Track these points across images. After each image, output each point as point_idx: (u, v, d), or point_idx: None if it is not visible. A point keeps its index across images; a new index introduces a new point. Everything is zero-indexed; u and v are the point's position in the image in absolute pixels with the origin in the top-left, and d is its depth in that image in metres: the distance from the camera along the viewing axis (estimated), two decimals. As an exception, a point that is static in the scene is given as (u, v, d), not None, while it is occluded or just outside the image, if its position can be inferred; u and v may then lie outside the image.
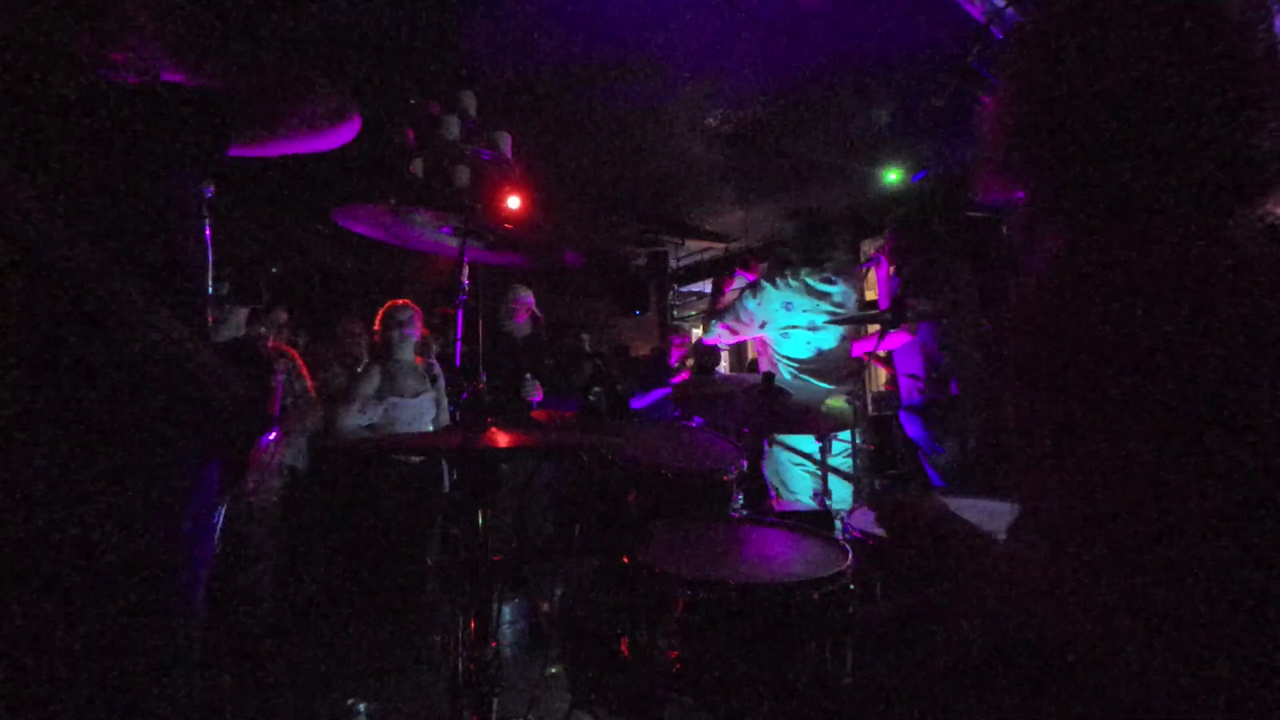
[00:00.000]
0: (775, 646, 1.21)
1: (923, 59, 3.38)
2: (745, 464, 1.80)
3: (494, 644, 1.31)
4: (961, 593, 0.79)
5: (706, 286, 7.82)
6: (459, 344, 1.52)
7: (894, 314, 2.38)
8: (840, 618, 1.26)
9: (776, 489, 2.77)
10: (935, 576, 0.83)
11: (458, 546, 1.36)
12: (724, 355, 4.50)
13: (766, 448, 2.71)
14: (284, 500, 2.74)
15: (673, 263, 7.59)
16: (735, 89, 3.79)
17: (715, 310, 3.21)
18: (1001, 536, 0.80)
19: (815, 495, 2.66)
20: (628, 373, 5.75)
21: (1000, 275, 3.71)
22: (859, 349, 3.09)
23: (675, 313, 8.08)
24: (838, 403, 2.07)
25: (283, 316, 3.75)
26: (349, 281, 6.87)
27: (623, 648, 1.33)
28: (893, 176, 4.75)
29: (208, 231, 1.23)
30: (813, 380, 2.75)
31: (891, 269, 3.27)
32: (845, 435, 2.83)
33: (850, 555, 1.36)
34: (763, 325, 2.88)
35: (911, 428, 3.15)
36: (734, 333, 2.99)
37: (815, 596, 1.23)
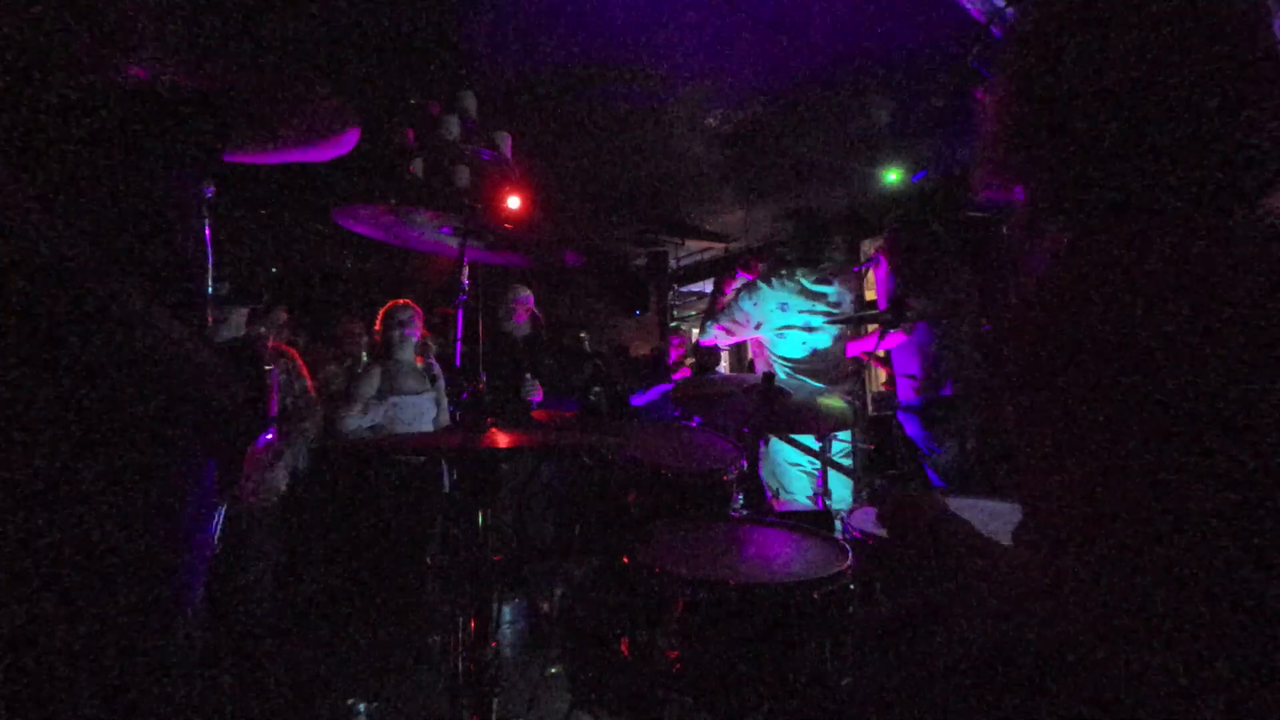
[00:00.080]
0: (775, 646, 1.21)
1: (923, 59, 3.38)
2: (745, 464, 1.80)
3: (494, 644, 1.32)
4: (961, 593, 0.79)
5: (706, 286, 7.83)
6: (459, 344, 1.52)
7: (893, 314, 2.39)
8: (840, 618, 1.26)
9: (773, 490, 2.77)
10: (935, 576, 0.83)
11: (458, 546, 1.36)
12: (724, 355, 4.50)
13: (762, 448, 2.71)
14: (284, 500, 2.74)
15: (673, 263, 7.60)
16: (735, 89, 3.79)
17: (712, 311, 3.22)
18: (1003, 538, 0.80)
19: (812, 496, 2.66)
20: (628, 372, 5.75)
21: (1000, 275, 3.71)
22: (853, 349, 3.10)
23: (675, 313, 8.09)
24: (836, 402, 2.07)
25: (283, 316, 3.75)
26: (349, 281, 6.87)
27: (623, 648, 1.33)
28: (893, 176, 4.75)
29: (208, 231, 1.23)
30: (808, 380, 2.75)
31: (890, 269, 3.27)
32: (844, 435, 2.83)
33: (850, 555, 1.36)
34: (758, 326, 2.89)
35: (909, 428, 3.16)
36: (729, 333, 3.00)
37: (815, 596, 1.23)
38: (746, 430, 1.95)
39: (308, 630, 2.92)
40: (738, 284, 3.26)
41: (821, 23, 3.14)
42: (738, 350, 8.14)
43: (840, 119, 4.15)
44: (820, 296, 2.83)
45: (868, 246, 6.07)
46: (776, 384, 1.90)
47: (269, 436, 2.53)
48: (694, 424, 2.13)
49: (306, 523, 2.98)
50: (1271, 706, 0.52)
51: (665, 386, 4.01)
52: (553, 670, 2.06)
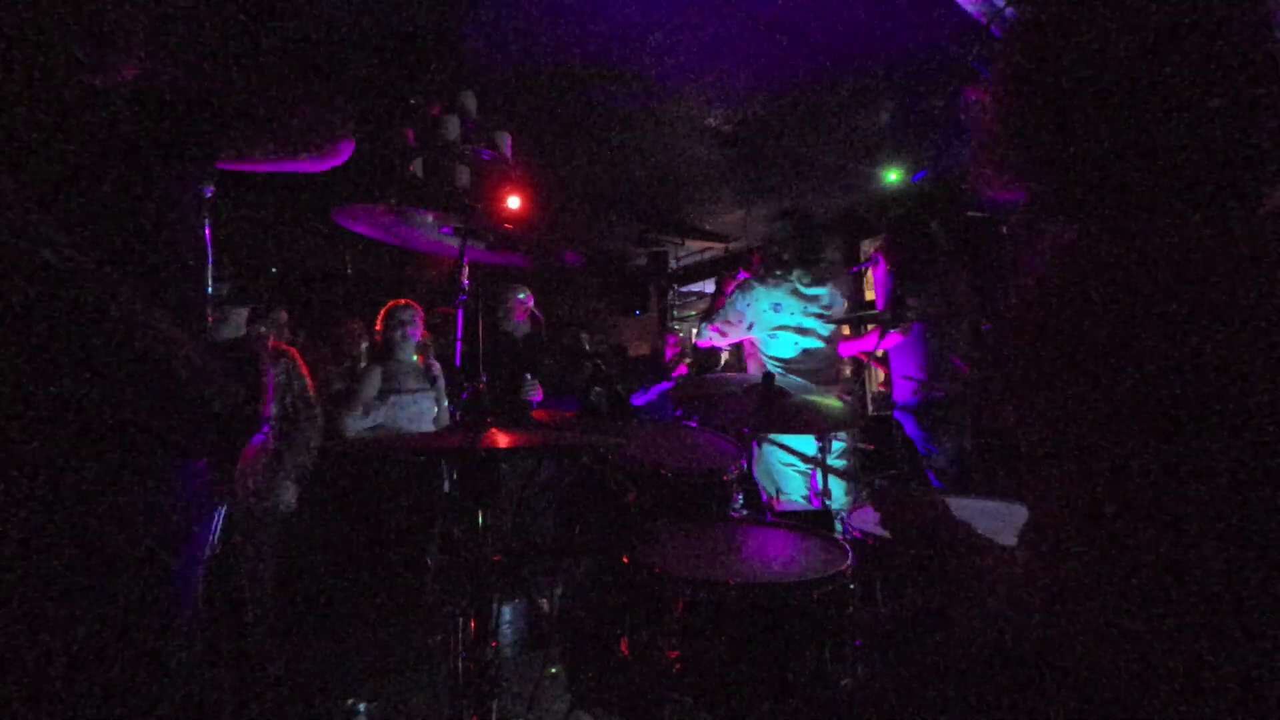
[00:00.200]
0: (775, 646, 1.21)
1: (923, 59, 3.38)
2: (745, 464, 1.80)
3: (494, 644, 1.31)
4: (961, 592, 0.79)
5: (707, 287, 7.83)
6: (459, 344, 1.52)
7: (893, 314, 2.39)
8: (840, 618, 1.26)
9: (768, 490, 2.76)
10: (935, 576, 0.83)
11: (458, 546, 1.36)
12: (724, 355, 4.50)
13: (756, 449, 2.71)
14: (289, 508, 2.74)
15: (673, 263, 7.59)
16: (735, 89, 3.78)
17: (710, 312, 3.22)
18: (1001, 537, 0.80)
19: (807, 495, 2.65)
20: (627, 372, 5.75)
21: (1000, 275, 3.71)
22: (849, 349, 3.09)
23: (675, 313, 8.09)
24: (835, 402, 2.07)
25: (283, 316, 3.75)
26: (349, 281, 6.87)
27: (623, 648, 1.33)
28: (893, 176, 4.75)
29: (208, 231, 1.23)
30: (800, 380, 2.76)
31: (889, 269, 3.27)
32: (842, 435, 2.83)
33: (850, 555, 1.36)
34: (750, 326, 2.89)
35: (907, 428, 3.16)
36: (723, 334, 3.00)
37: (815, 596, 1.23)
38: (746, 430, 1.94)
39: (308, 630, 2.92)
40: (736, 283, 3.27)
41: (821, 23, 3.14)
42: (738, 350, 8.13)
43: (840, 119, 4.15)
44: (814, 299, 2.84)
45: (867, 246, 6.07)
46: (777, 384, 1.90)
47: (262, 437, 2.52)
48: (693, 424, 2.13)
49: (306, 522, 2.97)
50: (1271, 706, 0.52)
51: (666, 385, 4.01)
52: (553, 670, 2.06)
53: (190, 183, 1.15)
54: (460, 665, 1.30)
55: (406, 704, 2.30)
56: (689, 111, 4.05)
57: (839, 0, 2.99)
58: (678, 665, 1.22)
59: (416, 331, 3.16)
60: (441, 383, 3.22)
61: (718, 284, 3.58)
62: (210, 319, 1.50)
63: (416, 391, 3.11)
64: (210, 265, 1.23)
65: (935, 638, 0.87)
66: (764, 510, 2.41)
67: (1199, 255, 0.58)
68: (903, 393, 3.14)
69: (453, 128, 3.53)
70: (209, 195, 1.36)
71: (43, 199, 0.91)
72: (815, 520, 2.04)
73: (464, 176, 3.81)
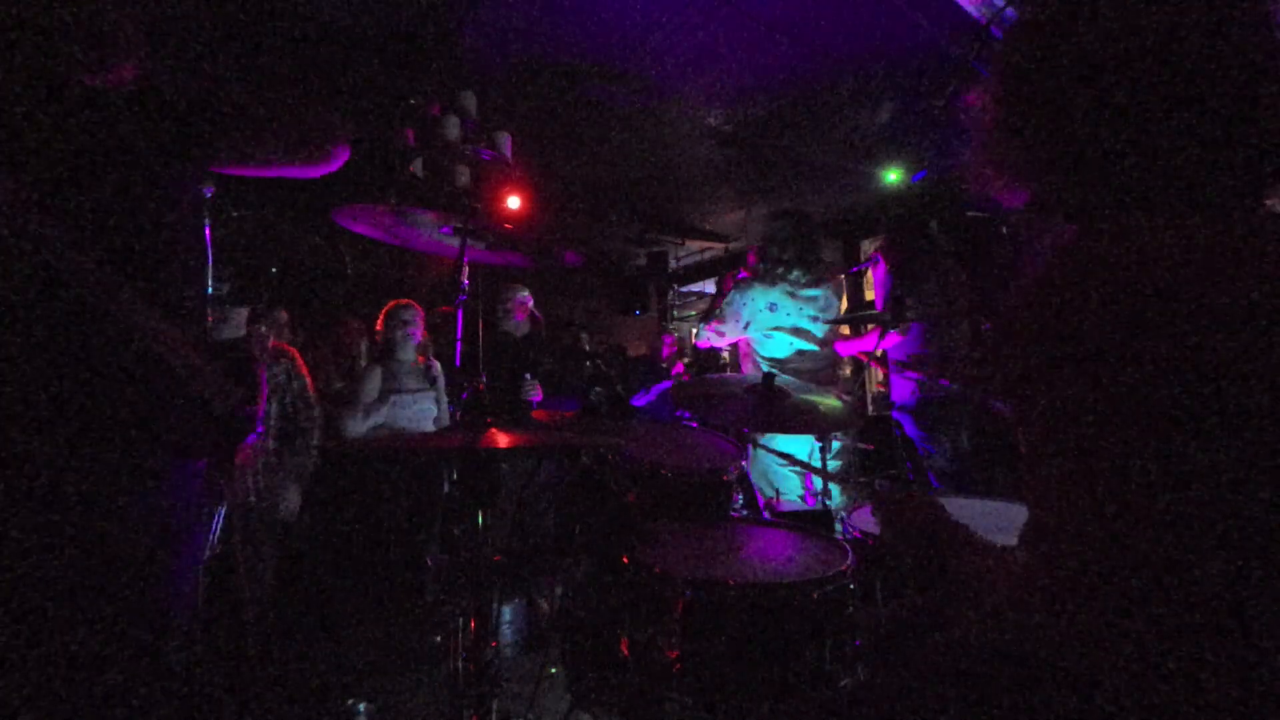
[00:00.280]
0: (775, 646, 1.21)
1: (923, 59, 3.38)
2: (745, 464, 1.81)
3: (494, 644, 1.32)
4: (961, 592, 0.79)
5: (707, 287, 7.82)
6: (459, 344, 1.52)
7: (893, 313, 2.39)
8: (840, 618, 1.26)
9: (765, 492, 2.76)
10: (935, 576, 0.83)
11: (458, 546, 1.36)
12: (724, 356, 4.50)
13: (750, 450, 2.71)
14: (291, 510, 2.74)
15: (673, 263, 7.59)
16: (735, 89, 3.79)
17: (709, 312, 3.22)
18: (999, 537, 0.80)
19: (802, 495, 2.65)
20: (627, 372, 5.76)
21: (1000, 275, 3.71)
22: (847, 349, 3.10)
23: (675, 313, 8.08)
24: (834, 402, 2.07)
25: (283, 316, 3.75)
26: (349, 281, 6.86)
27: (623, 648, 1.33)
28: (893, 176, 4.75)
29: (208, 231, 1.23)
30: (794, 380, 2.75)
31: (889, 269, 3.27)
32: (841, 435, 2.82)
33: (850, 555, 1.36)
34: (746, 326, 2.89)
35: (906, 428, 3.16)
36: (721, 334, 3.00)
37: (815, 596, 1.23)
38: (747, 430, 1.94)
39: (308, 630, 2.92)
40: (734, 282, 3.27)
41: (821, 23, 3.14)
42: (734, 351, 8.12)
43: (840, 119, 4.15)
44: (810, 300, 2.84)
45: (867, 246, 6.07)
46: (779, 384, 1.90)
47: (255, 437, 2.52)
48: (694, 424, 2.13)
49: (307, 522, 2.97)
50: (1271, 706, 0.52)
51: (666, 384, 4.02)
52: (553, 670, 2.05)
53: (190, 183, 1.15)
54: (460, 665, 1.30)
55: (406, 704, 2.30)
56: (689, 111, 4.05)
57: (839, 0, 2.99)
58: (678, 665, 1.22)
59: (418, 331, 3.16)
60: (442, 383, 3.22)
61: (718, 285, 3.58)
62: (210, 319, 1.50)
63: (417, 391, 3.11)
64: (210, 265, 1.23)
65: (935, 638, 0.87)
66: (771, 508, 2.41)
67: (1199, 255, 0.58)
68: (901, 393, 3.15)
69: (453, 128, 3.53)
70: (209, 195, 1.37)
71: (43, 199, 0.91)
72: (815, 520, 2.04)
73: (464, 176, 3.81)
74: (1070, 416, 0.60)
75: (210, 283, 1.25)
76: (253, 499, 2.56)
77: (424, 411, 3.13)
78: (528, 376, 3.22)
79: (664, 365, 5.60)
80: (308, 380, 2.76)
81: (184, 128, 1.10)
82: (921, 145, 4.42)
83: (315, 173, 1.30)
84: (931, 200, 3.94)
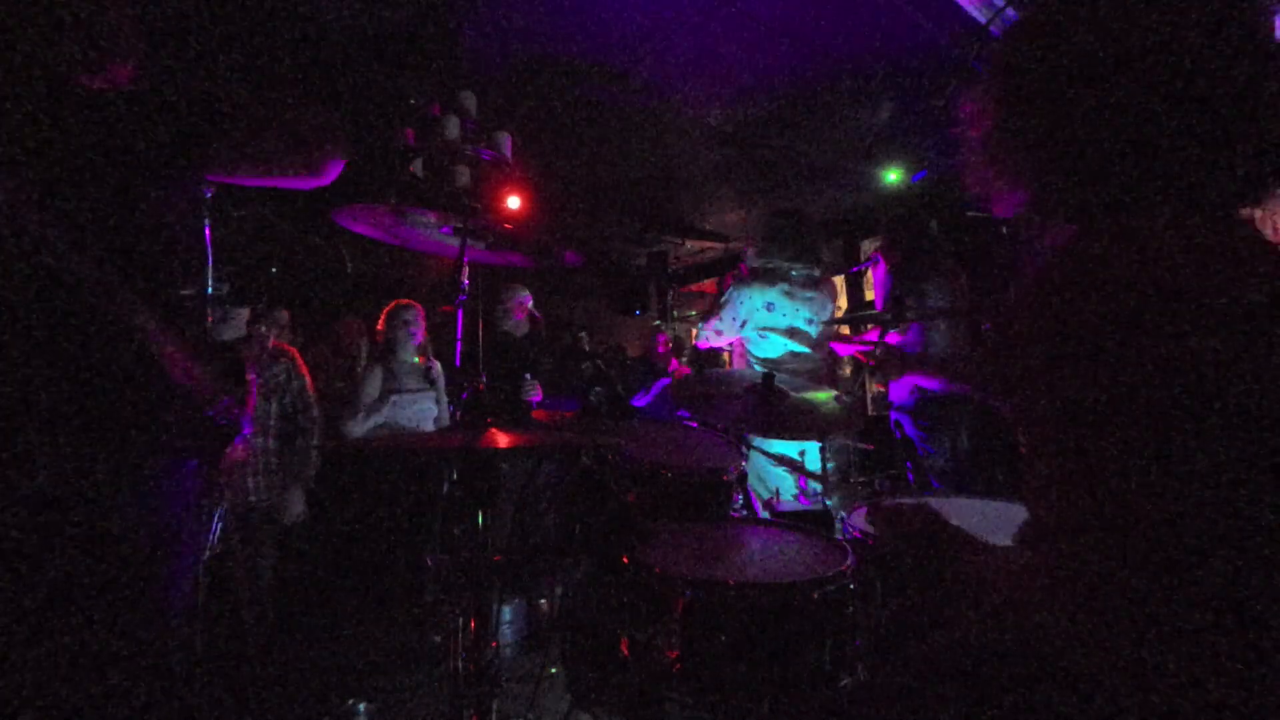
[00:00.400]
0: (775, 646, 1.21)
1: (923, 59, 3.38)
2: (745, 464, 1.81)
3: (494, 644, 1.32)
4: (960, 593, 0.79)
5: (707, 287, 7.82)
6: (459, 344, 1.52)
7: (893, 314, 2.39)
8: (840, 618, 1.26)
9: (761, 493, 2.76)
10: (935, 576, 0.83)
11: (458, 546, 1.36)
12: (725, 357, 4.49)
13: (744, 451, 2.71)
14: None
15: (673, 263, 7.59)
16: (735, 89, 3.79)
17: (708, 313, 3.22)
18: (998, 538, 0.80)
19: (796, 495, 2.65)
20: (626, 372, 5.76)
21: (1000, 275, 3.71)
22: (845, 349, 3.09)
23: (675, 313, 8.08)
24: (833, 402, 2.07)
25: (284, 316, 3.75)
26: (349, 281, 6.86)
27: (623, 648, 1.33)
28: (893, 176, 4.75)
29: (208, 231, 1.23)
30: (788, 380, 2.75)
31: (889, 269, 3.27)
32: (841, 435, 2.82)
33: (850, 555, 1.36)
34: (743, 324, 2.89)
35: (906, 428, 3.16)
36: (719, 333, 3.00)
37: (815, 596, 1.23)
38: (747, 434, 1.95)
39: (308, 630, 2.92)
40: (732, 281, 3.27)
41: (822, 22, 3.14)
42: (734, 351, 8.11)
43: (840, 119, 4.15)
44: (807, 301, 2.84)
45: (867, 246, 6.07)
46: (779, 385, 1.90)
47: (241, 439, 2.51)
48: (693, 424, 2.13)
49: (306, 522, 2.98)
50: (1269, 706, 0.52)
51: (665, 381, 4.02)
52: (553, 670, 2.05)
53: (189, 183, 1.15)
54: (460, 665, 1.30)
55: (406, 704, 2.30)
56: (689, 111, 4.05)
57: (839, 0, 2.99)
58: (678, 665, 1.22)
59: (419, 331, 3.17)
60: (442, 383, 3.22)
61: (720, 284, 3.59)
62: (210, 319, 1.50)
63: (417, 391, 3.12)
64: (210, 265, 1.23)
65: (935, 638, 0.87)
66: (760, 511, 2.41)
67: (1199, 255, 0.58)
68: (900, 393, 3.14)
69: (453, 128, 3.53)
70: (209, 195, 1.36)
71: (42, 199, 0.91)
72: (815, 520, 2.04)
73: (464, 176, 3.81)
74: (1070, 416, 0.59)
75: (210, 283, 1.25)
76: (253, 499, 2.56)
77: (424, 411, 3.13)
78: (527, 376, 3.22)
79: (660, 363, 5.59)
80: (308, 380, 2.76)
81: (183, 128, 1.10)
82: (921, 145, 4.42)
83: (308, 185, 1.29)
84: (931, 200, 3.94)
